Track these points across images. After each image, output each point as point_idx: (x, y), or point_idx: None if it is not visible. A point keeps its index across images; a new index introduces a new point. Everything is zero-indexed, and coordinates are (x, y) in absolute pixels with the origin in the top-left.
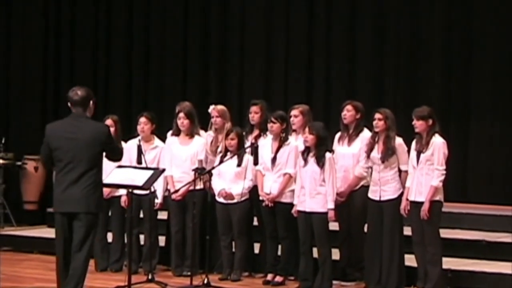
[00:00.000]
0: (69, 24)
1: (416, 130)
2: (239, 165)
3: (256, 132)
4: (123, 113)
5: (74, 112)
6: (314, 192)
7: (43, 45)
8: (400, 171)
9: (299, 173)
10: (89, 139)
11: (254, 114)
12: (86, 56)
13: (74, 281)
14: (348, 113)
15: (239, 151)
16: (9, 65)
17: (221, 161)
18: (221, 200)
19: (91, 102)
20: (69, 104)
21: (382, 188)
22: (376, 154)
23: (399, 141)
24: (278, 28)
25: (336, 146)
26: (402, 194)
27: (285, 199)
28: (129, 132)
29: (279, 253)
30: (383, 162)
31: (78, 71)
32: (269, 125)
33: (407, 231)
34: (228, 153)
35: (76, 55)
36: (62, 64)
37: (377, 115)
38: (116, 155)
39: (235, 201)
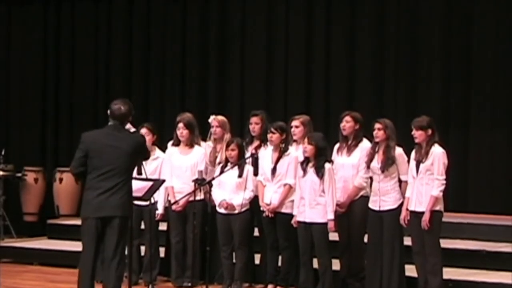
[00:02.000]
0: (68, 36)
1: (416, 140)
2: (240, 176)
3: (256, 142)
4: None
5: (112, 123)
6: (314, 202)
7: (43, 57)
8: (400, 181)
9: (298, 183)
10: (130, 149)
11: (255, 125)
12: (86, 68)
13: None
14: (347, 124)
15: (240, 162)
16: (9, 76)
17: (221, 172)
18: (221, 210)
19: (130, 118)
20: (109, 113)
21: (382, 198)
22: (376, 164)
23: (399, 151)
24: (278, 38)
25: (335, 156)
26: (402, 204)
27: (286, 209)
28: None
29: (279, 263)
30: (383, 172)
31: (78, 83)
32: (268, 136)
33: (407, 241)
34: (229, 164)
35: (76, 67)
36: (61, 76)
37: (377, 125)
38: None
39: (236, 211)
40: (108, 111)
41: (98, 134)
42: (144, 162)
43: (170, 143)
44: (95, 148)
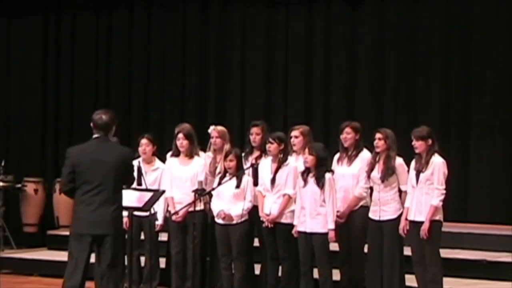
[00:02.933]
0: (68, 47)
1: (416, 150)
2: (238, 186)
3: (257, 153)
4: (123, 135)
5: (97, 135)
6: (314, 212)
7: (43, 67)
8: (400, 191)
9: (299, 193)
10: (118, 162)
11: (256, 135)
12: (86, 78)
13: None
14: (348, 135)
15: (238, 172)
16: (9, 87)
17: (219, 183)
18: (220, 221)
19: (114, 127)
20: (92, 125)
21: (382, 208)
22: (376, 173)
23: (399, 161)
24: (278, 48)
25: (335, 166)
26: (402, 214)
27: (285, 219)
28: None
29: (279, 274)
30: (383, 181)
31: (78, 93)
32: (267, 146)
33: (407, 251)
34: (227, 174)
35: (76, 78)
36: (61, 87)
37: (378, 135)
38: (131, 181)
39: (234, 222)
40: (91, 123)
41: (84, 148)
42: (144, 173)
43: (169, 153)
44: (83, 162)
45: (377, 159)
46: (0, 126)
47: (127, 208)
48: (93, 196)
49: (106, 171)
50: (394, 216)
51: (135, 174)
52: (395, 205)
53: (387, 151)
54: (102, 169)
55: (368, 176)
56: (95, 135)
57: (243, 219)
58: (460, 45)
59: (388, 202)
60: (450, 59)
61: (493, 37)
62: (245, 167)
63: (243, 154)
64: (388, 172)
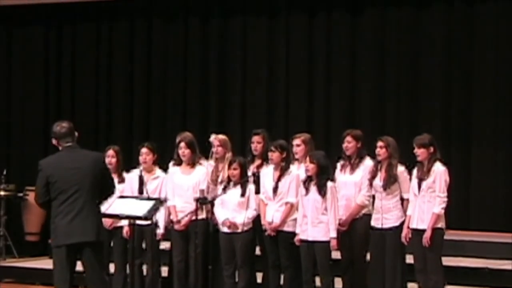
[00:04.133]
0: (70, 56)
1: (418, 158)
2: (242, 195)
3: (258, 161)
4: (124, 143)
5: (64, 145)
6: (316, 221)
7: (44, 77)
8: (402, 199)
9: (301, 202)
10: (91, 167)
11: (257, 144)
12: (87, 87)
13: None
14: (349, 144)
15: (242, 181)
16: (10, 96)
17: (223, 191)
18: (224, 229)
19: (76, 134)
20: (54, 140)
21: (384, 216)
22: (378, 182)
23: (401, 169)
24: (279, 56)
25: (338, 174)
26: (404, 222)
27: (287, 228)
28: (130, 163)
29: (281, 282)
30: (385, 190)
31: (79, 101)
32: (269, 154)
33: (410, 259)
34: (231, 183)
35: (77, 88)
36: (63, 96)
37: (379, 143)
38: (108, 187)
39: (238, 230)
40: (53, 137)
41: (56, 158)
42: (145, 181)
43: (171, 162)
44: (56, 172)
45: (379, 167)
46: (2, 135)
47: (128, 217)
48: (70, 205)
49: (80, 178)
50: (396, 224)
51: (111, 181)
52: (397, 213)
53: (388, 159)
54: (76, 176)
55: (370, 184)
56: (65, 145)
57: (247, 228)
58: (462, 52)
59: (390, 210)
60: (452, 66)
61: (495, 44)
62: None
63: (245, 163)
64: (390, 180)
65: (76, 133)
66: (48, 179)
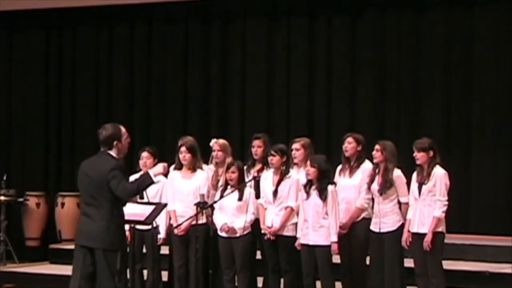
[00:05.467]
0: (70, 61)
1: (418, 162)
2: (240, 199)
3: (259, 165)
4: None
5: (101, 149)
6: (317, 225)
7: (44, 82)
8: (400, 203)
9: (302, 206)
10: (96, 175)
11: (257, 148)
12: (88, 92)
13: None
14: (349, 145)
15: (240, 185)
16: (10, 101)
17: (221, 196)
18: (223, 234)
19: (115, 141)
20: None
21: (382, 220)
22: (375, 186)
23: (397, 173)
24: (279, 60)
25: (337, 178)
26: (402, 225)
27: (287, 232)
28: (130, 167)
29: (281, 286)
30: (381, 194)
31: (79, 106)
32: (269, 158)
33: (410, 262)
34: (229, 187)
35: (77, 92)
36: (63, 101)
37: (376, 147)
38: (122, 194)
39: (237, 235)
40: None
41: (86, 161)
42: None
43: (172, 167)
44: (79, 176)
45: (377, 171)
46: (2, 140)
47: (128, 222)
48: (83, 209)
49: (90, 186)
50: (394, 228)
51: (129, 186)
52: (395, 217)
53: (385, 163)
54: (88, 183)
55: (369, 188)
56: (101, 149)
57: (246, 232)
58: (462, 56)
59: (387, 214)
60: (451, 70)
61: (495, 47)
62: (247, 179)
63: (245, 167)
64: (386, 185)
65: (119, 141)
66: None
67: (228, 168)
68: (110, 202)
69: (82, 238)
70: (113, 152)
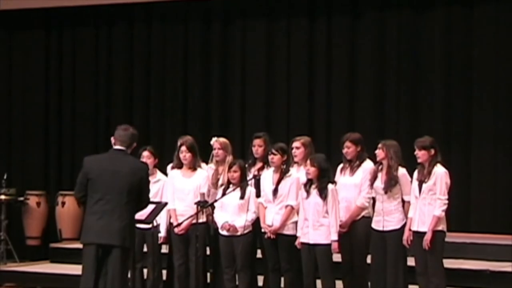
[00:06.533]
0: (70, 61)
1: (419, 160)
2: (242, 197)
3: (259, 164)
4: None
5: (115, 147)
6: (317, 224)
7: (44, 81)
8: (403, 201)
9: (302, 205)
10: (129, 173)
11: (258, 147)
12: (88, 90)
13: None
14: (349, 149)
15: (242, 184)
16: (10, 100)
17: (223, 194)
18: (224, 233)
19: (135, 143)
20: (113, 139)
21: (386, 219)
22: (379, 184)
23: (402, 171)
24: (279, 59)
25: (338, 176)
26: (405, 224)
27: (287, 231)
28: None
29: (282, 285)
30: (385, 192)
31: (79, 105)
32: (269, 157)
33: (411, 261)
34: (231, 186)
35: (77, 91)
36: (63, 100)
37: (379, 145)
38: (145, 199)
39: (238, 234)
40: (113, 137)
41: (99, 157)
42: None
43: (169, 166)
44: (95, 172)
45: (379, 169)
46: (2, 139)
47: None
48: (100, 206)
49: (116, 182)
50: (398, 226)
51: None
52: (399, 216)
53: (388, 162)
54: (111, 179)
55: (371, 186)
56: (115, 147)
57: (247, 231)
58: (461, 55)
59: (391, 213)
60: (451, 69)
61: (495, 47)
62: (248, 178)
63: (246, 166)
64: (391, 183)
65: (135, 144)
66: (88, 175)
67: (230, 167)
68: (134, 201)
69: (100, 236)
70: (128, 151)
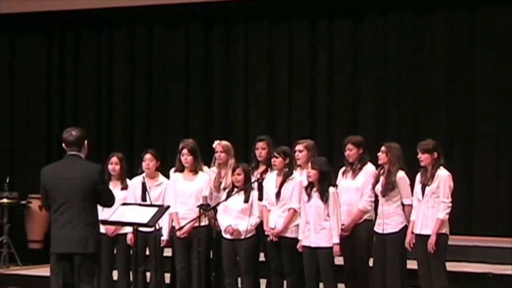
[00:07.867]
0: (72, 64)
1: (422, 163)
2: (246, 201)
3: (262, 167)
4: (126, 150)
5: (69, 152)
6: (318, 227)
7: (46, 85)
8: (403, 204)
9: (303, 208)
10: (81, 179)
11: (261, 150)
12: (90, 94)
13: None
14: (350, 152)
15: (246, 187)
16: (12, 104)
17: (227, 197)
18: (227, 236)
19: (85, 142)
20: (64, 145)
21: (385, 221)
22: (379, 187)
23: (400, 174)
24: (281, 62)
25: (340, 180)
26: (405, 227)
27: (290, 234)
28: (131, 170)
29: None
30: (383, 196)
31: (81, 108)
32: (272, 160)
33: (413, 264)
34: (235, 189)
35: (79, 95)
36: (65, 104)
37: (382, 148)
38: (106, 199)
39: (241, 237)
40: (62, 142)
41: (54, 167)
42: (148, 188)
43: (172, 169)
44: (50, 182)
45: (381, 172)
46: (5, 143)
47: (132, 224)
48: (59, 215)
49: (70, 189)
50: (397, 229)
51: (112, 193)
52: (398, 219)
53: (389, 165)
54: (66, 187)
55: (373, 189)
56: (68, 153)
57: (250, 234)
58: (464, 58)
59: (390, 216)
60: (454, 71)
61: (497, 49)
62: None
63: (249, 169)
64: (388, 187)
65: (86, 143)
66: (45, 187)
67: (233, 170)
68: (93, 206)
69: (61, 245)
70: (81, 154)
